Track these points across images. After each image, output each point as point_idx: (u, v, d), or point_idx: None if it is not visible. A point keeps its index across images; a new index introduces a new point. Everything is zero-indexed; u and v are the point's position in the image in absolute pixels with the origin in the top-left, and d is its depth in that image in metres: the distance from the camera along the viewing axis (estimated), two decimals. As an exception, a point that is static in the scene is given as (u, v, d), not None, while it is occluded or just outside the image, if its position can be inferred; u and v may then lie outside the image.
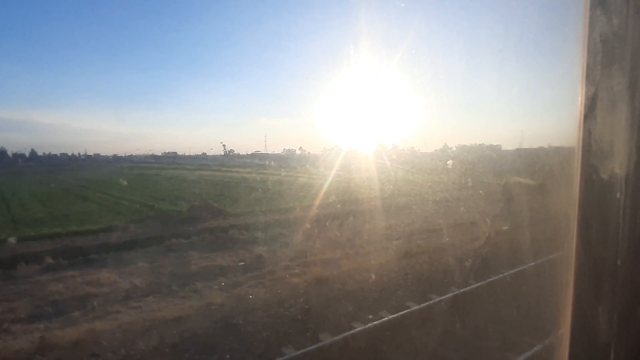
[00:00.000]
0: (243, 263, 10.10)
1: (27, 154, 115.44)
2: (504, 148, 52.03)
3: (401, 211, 16.51)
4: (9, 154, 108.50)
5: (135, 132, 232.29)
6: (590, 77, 0.87)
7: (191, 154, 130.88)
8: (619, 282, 0.90)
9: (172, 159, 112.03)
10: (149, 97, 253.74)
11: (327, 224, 14.03)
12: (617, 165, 0.87)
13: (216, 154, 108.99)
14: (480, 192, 18.76)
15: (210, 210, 16.50)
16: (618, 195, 0.87)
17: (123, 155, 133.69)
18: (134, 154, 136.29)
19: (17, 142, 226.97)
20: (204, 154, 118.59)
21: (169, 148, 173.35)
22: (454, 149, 54.07)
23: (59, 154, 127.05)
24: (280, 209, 17.32)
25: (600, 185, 0.96)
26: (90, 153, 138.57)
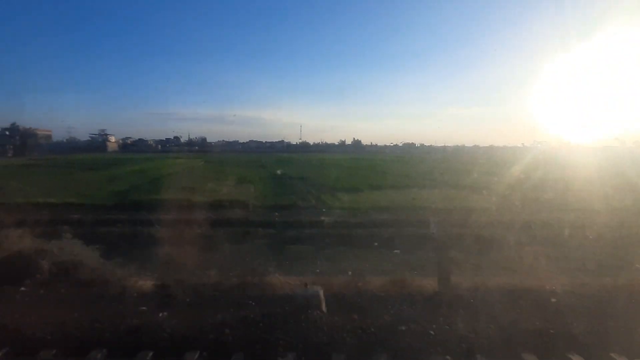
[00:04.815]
0: None
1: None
2: None
3: None
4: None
5: (325, 124, 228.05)
6: None
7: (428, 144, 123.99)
8: None
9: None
10: (335, 92, 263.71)
11: None
12: None
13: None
14: None
15: None
16: None
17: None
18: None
19: (247, 134, 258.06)
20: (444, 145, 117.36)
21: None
22: None
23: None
24: None
25: None
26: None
